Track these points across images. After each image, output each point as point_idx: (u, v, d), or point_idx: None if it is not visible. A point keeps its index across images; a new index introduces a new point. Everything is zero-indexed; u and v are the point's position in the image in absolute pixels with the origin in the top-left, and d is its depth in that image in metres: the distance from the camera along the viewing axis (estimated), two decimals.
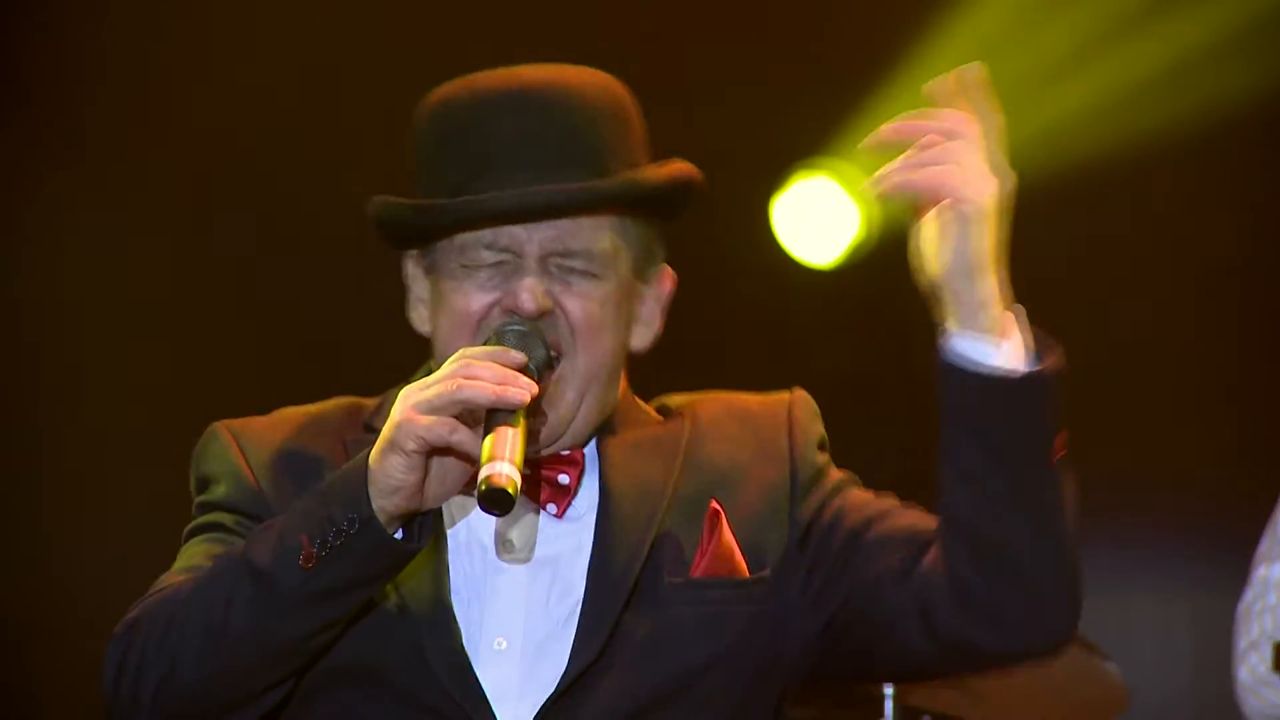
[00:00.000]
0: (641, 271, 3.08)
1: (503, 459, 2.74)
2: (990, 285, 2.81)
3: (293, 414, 3.14)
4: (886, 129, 2.87)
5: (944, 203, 2.82)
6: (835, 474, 3.11)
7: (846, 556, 3.00)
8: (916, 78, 6.18)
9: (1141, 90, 6.18)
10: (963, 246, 2.81)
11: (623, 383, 3.14)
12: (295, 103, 6.17)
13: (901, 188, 2.83)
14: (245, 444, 3.06)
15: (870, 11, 6.34)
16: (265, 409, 3.15)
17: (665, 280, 3.13)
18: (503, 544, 3.00)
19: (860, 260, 6.49)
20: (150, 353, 6.20)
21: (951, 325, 2.83)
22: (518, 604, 2.97)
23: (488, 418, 2.79)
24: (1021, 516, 2.83)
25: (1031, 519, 2.83)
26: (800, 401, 3.14)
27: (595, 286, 3.01)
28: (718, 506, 3.01)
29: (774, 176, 6.51)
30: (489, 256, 3.00)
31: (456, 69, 3.11)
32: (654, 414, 3.15)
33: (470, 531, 3.01)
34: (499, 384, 2.79)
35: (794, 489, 3.05)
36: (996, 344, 2.81)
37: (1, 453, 6.15)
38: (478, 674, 2.90)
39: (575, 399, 3.02)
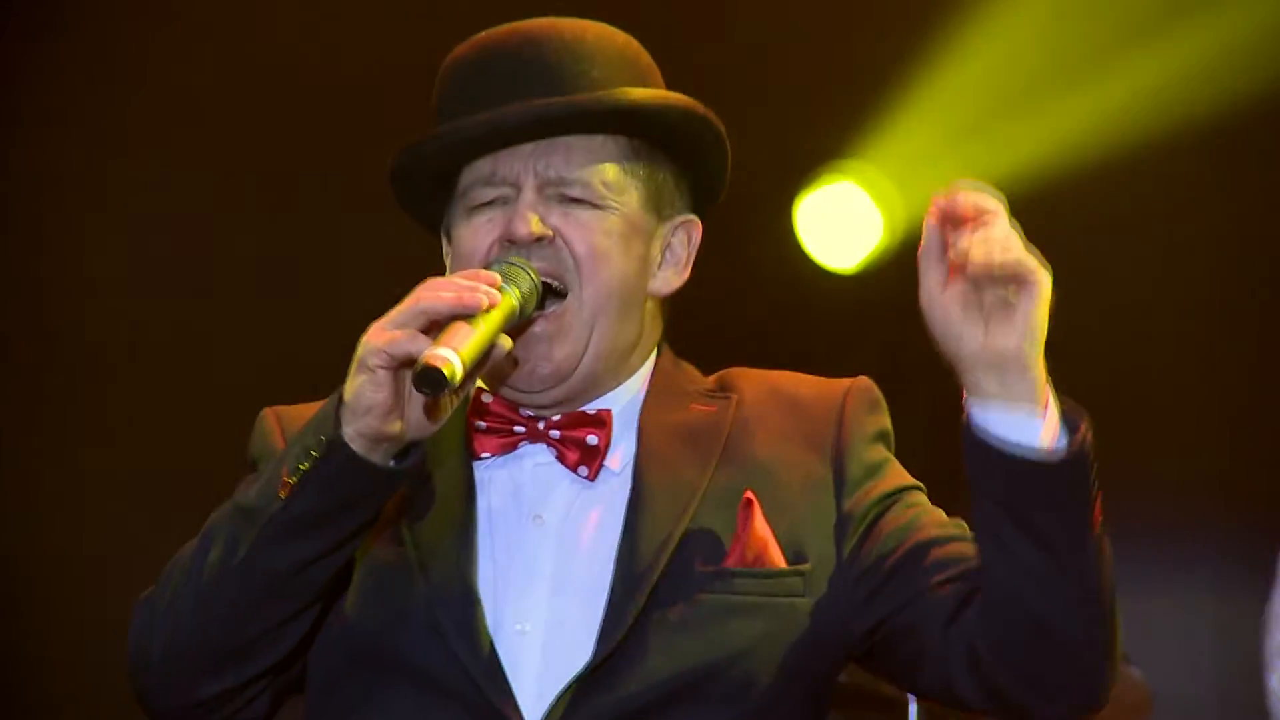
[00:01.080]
0: (657, 209, 3.06)
1: (446, 345, 2.71)
2: (1040, 357, 2.76)
3: None
4: (943, 208, 2.77)
5: (1015, 279, 2.73)
6: (895, 474, 3.06)
7: (899, 575, 2.96)
8: (939, 82, 6.19)
9: (1158, 92, 6.17)
10: (1031, 321, 2.73)
11: (667, 351, 3.13)
12: (315, 90, 6.19)
13: (990, 269, 2.72)
14: (288, 427, 3.05)
15: (893, 15, 6.34)
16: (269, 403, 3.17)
17: (691, 226, 3.11)
18: (533, 518, 2.99)
19: (882, 265, 6.50)
20: (163, 347, 6.22)
21: (990, 395, 2.76)
22: (543, 582, 2.95)
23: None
24: (1064, 592, 2.79)
25: (1075, 593, 2.80)
26: (856, 392, 3.10)
27: (598, 216, 3.00)
28: (751, 496, 2.98)
29: (797, 181, 6.51)
30: (488, 193, 3.00)
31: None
32: (701, 383, 3.12)
33: (500, 505, 3.00)
34: (458, 292, 2.77)
35: (839, 484, 3.02)
36: (1038, 415, 2.75)
37: (23, 447, 6.18)
38: (500, 657, 2.89)
39: (582, 333, 3.00)
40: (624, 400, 3.07)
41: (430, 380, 2.70)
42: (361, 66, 6.12)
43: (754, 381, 3.13)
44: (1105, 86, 6.20)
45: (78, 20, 6.03)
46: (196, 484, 6.02)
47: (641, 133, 3.04)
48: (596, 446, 3.00)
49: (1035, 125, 6.21)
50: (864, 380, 3.12)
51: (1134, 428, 6.47)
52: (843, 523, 3.00)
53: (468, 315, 2.77)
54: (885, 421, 3.10)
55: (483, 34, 3.08)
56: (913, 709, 5.17)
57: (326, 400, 2.85)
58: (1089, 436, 2.76)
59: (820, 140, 6.42)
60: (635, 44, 3.09)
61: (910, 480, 3.06)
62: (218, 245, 6.23)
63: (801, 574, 2.97)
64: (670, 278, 3.10)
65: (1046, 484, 2.75)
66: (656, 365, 3.12)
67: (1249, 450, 6.62)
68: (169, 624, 2.87)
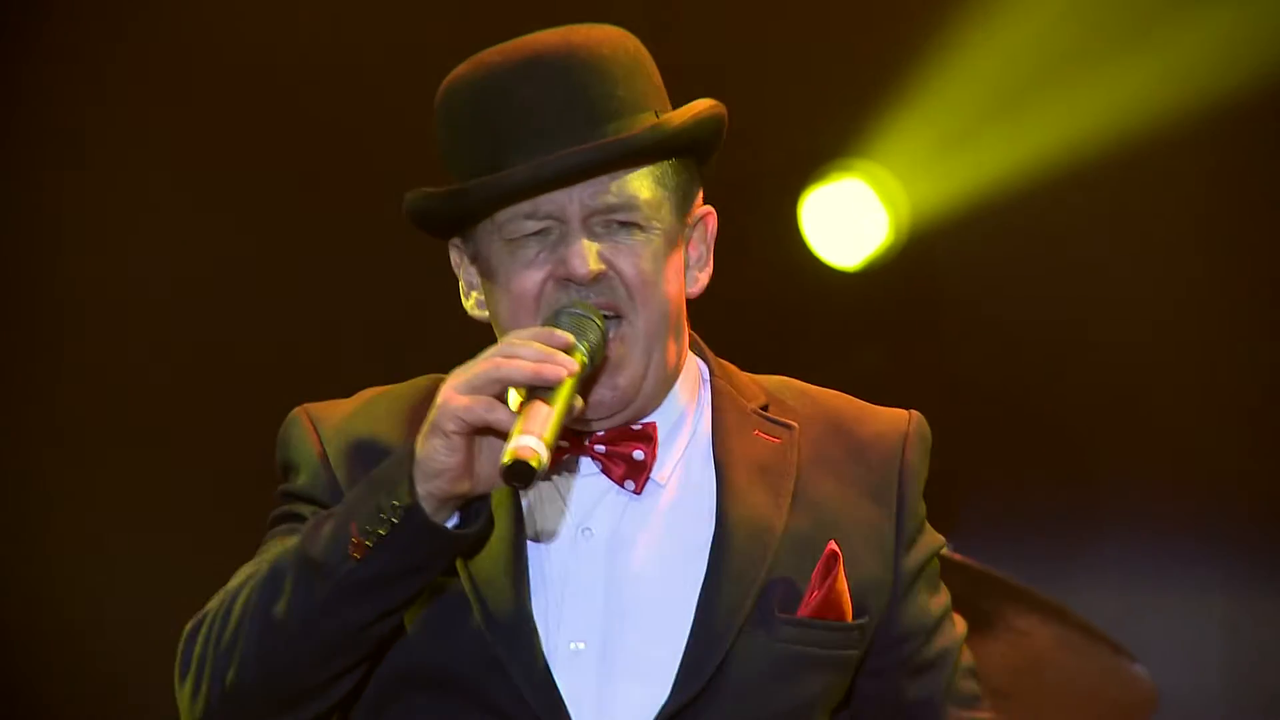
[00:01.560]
0: (684, 214, 3.04)
1: (530, 433, 2.72)
2: None
3: (373, 395, 3.12)
4: None
5: None
6: (931, 536, 3.10)
7: (893, 651, 3.04)
8: (944, 78, 6.18)
9: (1164, 86, 6.16)
10: None
11: (710, 355, 3.13)
12: (317, 89, 6.18)
13: None
14: (324, 431, 3.05)
15: (899, 11, 6.33)
16: (286, 404, 3.15)
17: (708, 218, 3.10)
18: (581, 531, 2.98)
19: (887, 263, 6.49)
20: (164, 350, 6.21)
21: None
22: (596, 598, 2.95)
23: (527, 395, 2.78)
24: None
25: None
26: (916, 441, 3.11)
27: (643, 241, 2.98)
28: (836, 549, 2.98)
29: (801, 178, 6.50)
30: (531, 226, 2.97)
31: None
32: (753, 397, 3.10)
33: (548, 522, 2.99)
34: (537, 361, 2.77)
35: (899, 538, 3.05)
36: None
37: (27, 450, 6.17)
38: (556, 680, 2.89)
39: (642, 359, 2.99)
40: (669, 410, 3.06)
41: (521, 474, 2.71)
42: (363, 65, 6.11)
43: (808, 406, 3.12)
44: (1112, 82, 6.19)
45: (78, 19, 6.03)
46: (193, 484, 6.05)
47: (678, 152, 3.03)
48: (643, 461, 3.00)
49: (1041, 121, 6.20)
50: (921, 423, 3.13)
51: (1142, 425, 6.46)
52: (900, 576, 3.04)
53: (545, 385, 2.77)
54: (927, 467, 3.12)
55: (491, 55, 3.03)
56: None
57: (394, 457, 2.83)
58: None
59: (825, 137, 6.41)
60: (634, 41, 3.07)
61: (939, 540, 3.11)
62: (216, 246, 6.21)
63: (862, 628, 3.00)
64: (699, 276, 3.10)
65: None
66: (713, 384, 3.12)
67: (1258, 447, 6.60)
68: (227, 664, 2.86)
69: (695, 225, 3.07)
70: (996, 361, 6.10)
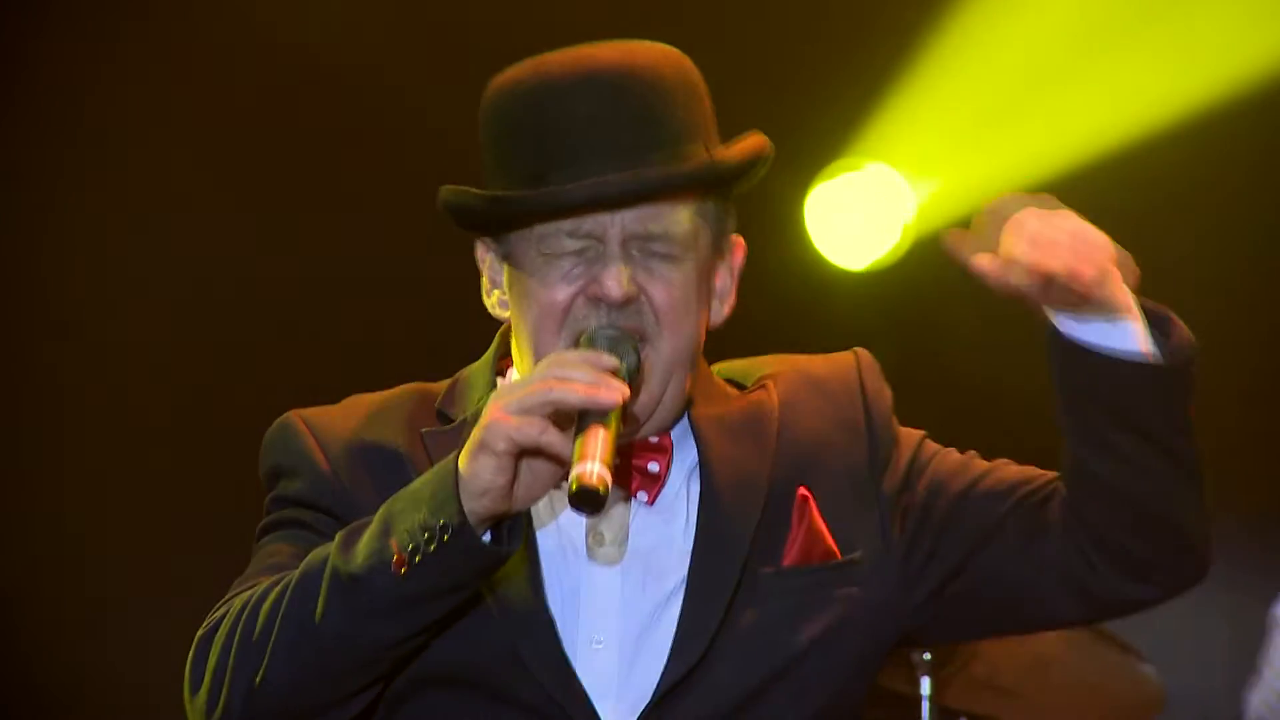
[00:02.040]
0: (719, 246, 3.05)
1: (594, 459, 2.73)
2: (1114, 266, 2.87)
3: (364, 401, 3.11)
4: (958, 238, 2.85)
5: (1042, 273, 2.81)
6: (909, 437, 3.11)
7: (953, 525, 3.03)
8: (952, 76, 6.18)
9: (1168, 81, 6.15)
10: (1088, 252, 2.83)
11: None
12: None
13: (1038, 276, 2.81)
14: (320, 435, 3.04)
15: (906, 10, 6.32)
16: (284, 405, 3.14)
17: (737, 250, 3.11)
18: (594, 538, 2.99)
19: (893, 264, 6.49)
20: (172, 349, 6.22)
21: (1077, 308, 2.87)
22: (612, 600, 2.96)
23: (580, 419, 2.78)
24: (1180, 485, 2.95)
25: (1188, 484, 2.95)
26: (868, 367, 3.14)
27: (677, 270, 2.98)
28: (806, 493, 3.01)
29: (807, 177, 6.50)
30: (571, 244, 2.97)
31: (481, 68, 3.09)
32: (726, 386, 3.13)
33: (560, 528, 3.00)
34: (590, 386, 2.77)
35: (874, 464, 3.06)
36: (1131, 320, 2.89)
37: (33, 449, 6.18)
38: (578, 674, 2.90)
39: (660, 384, 2.99)
40: (679, 422, 3.07)
41: (591, 500, 2.73)
42: (366, 64, 6.12)
43: (772, 370, 3.15)
44: (1122, 79, 6.18)
45: (78, 19, 6.03)
46: (194, 485, 6.05)
47: (723, 187, 3.05)
48: (658, 474, 3.02)
49: (1048, 119, 6.20)
50: (866, 354, 3.16)
51: None
52: (883, 501, 3.04)
53: (599, 410, 2.78)
54: (889, 389, 3.15)
55: (548, 62, 3.01)
56: (925, 707, 5.16)
57: (438, 469, 2.82)
58: (1185, 333, 2.92)
59: (831, 136, 6.41)
60: (691, 65, 3.06)
61: (916, 434, 3.12)
62: (217, 246, 6.22)
63: (856, 563, 3.01)
64: (722, 307, 3.11)
65: (1155, 385, 2.89)
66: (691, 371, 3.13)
67: (1268, 445, 6.60)
68: (255, 669, 2.84)
69: (725, 256, 3.08)
70: (1003, 362, 6.10)
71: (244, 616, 2.87)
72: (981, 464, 3.08)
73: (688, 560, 2.97)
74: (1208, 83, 6.12)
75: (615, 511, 3.00)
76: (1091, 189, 6.19)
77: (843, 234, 6.51)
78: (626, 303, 2.95)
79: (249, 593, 2.90)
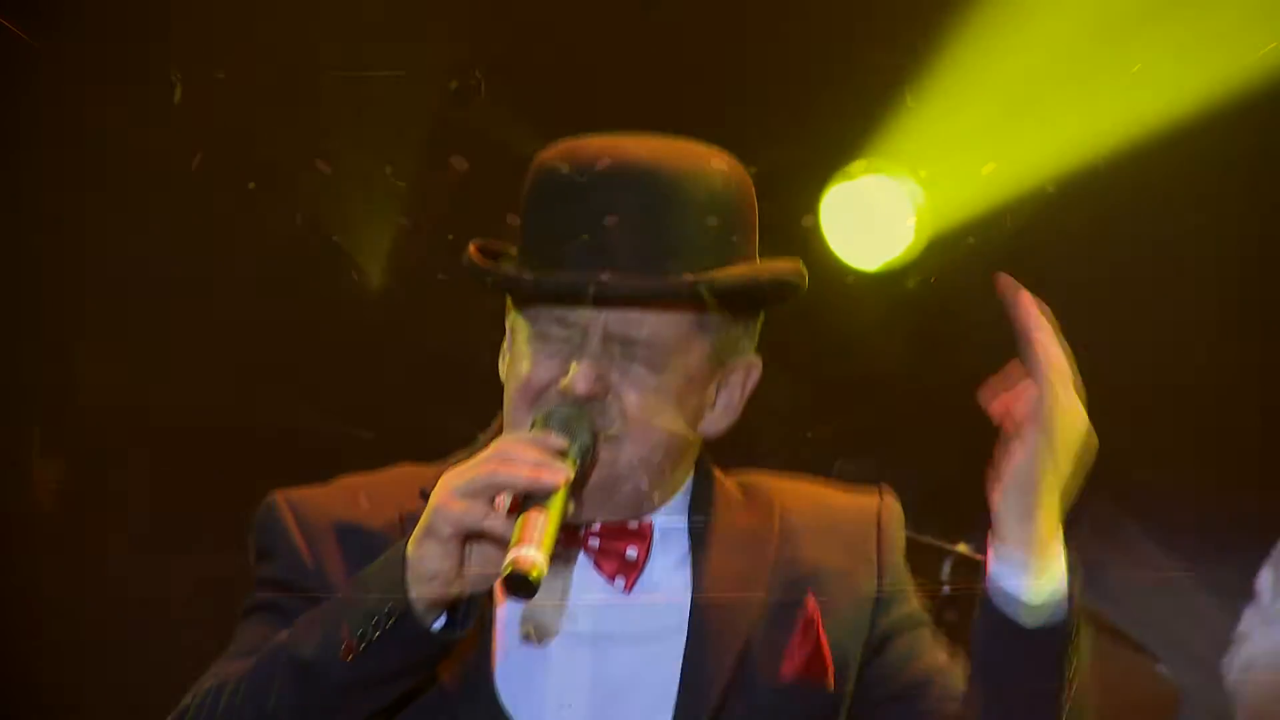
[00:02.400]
0: (723, 359, 3.04)
1: (529, 543, 2.72)
2: (1042, 509, 2.83)
3: (351, 484, 3.12)
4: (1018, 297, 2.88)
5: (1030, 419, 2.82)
6: (912, 596, 3.11)
7: (890, 706, 3.04)
8: (964, 77, 6.19)
9: (1179, 80, 6.15)
10: (1018, 474, 2.82)
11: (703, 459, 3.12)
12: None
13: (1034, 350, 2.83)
14: (302, 518, 3.06)
15: (918, 10, 6.32)
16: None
17: (751, 369, 3.08)
18: (567, 624, 2.99)
19: (907, 265, 6.48)
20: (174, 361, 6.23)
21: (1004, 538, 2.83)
22: (582, 677, 2.96)
23: (523, 501, 2.78)
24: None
25: None
26: (889, 510, 3.13)
27: (653, 376, 2.97)
28: (814, 611, 3.01)
29: (821, 179, 6.50)
30: (559, 331, 2.98)
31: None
32: (736, 491, 3.12)
33: (531, 609, 2.99)
34: (535, 468, 2.77)
35: (879, 598, 3.05)
36: (1029, 567, 2.83)
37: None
38: None
39: (620, 480, 2.98)
40: (665, 514, 3.07)
41: (520, 585, 2.72)
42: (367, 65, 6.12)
43: (784, 489, 3.14)
44: (1134, 79, 6.18)
45: (78, 19, 6.04)
46: (193, 486, 6.06)
47: (730, 307, 3.03)
48: (635, 561, 3.02)
49: (1057, 120, 6.20)
50: (891, 494, 3.15)
51: (1163, 422, 6.46)
52: (874, 634, 3.05)
53: (543, 491, 2.77)
54: (904, 539, 3.14)
55: (584, 147, 3.02)
56: None
57: (389, 554, 2.83)
58: (1073, 605, 2.86)
59: (845, 138, 6.41)
60: (735, 177, 3.05)
61: (920, 602, 3.12)
62: (216, 246, 6.23)
63: (842, 691, 3.01)
64: (720, 419, 3.09)
65: (1023, 643, 2.84)
66: (694, 475, 3.11)
67: (1274, 446, 6.60)
68: None
69: (733, 371, 3.07)
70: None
71: (206, 703, 2.88)
72: (942, 664, 3.08)
73: (656, 644, 2.97)
74: (1213, 83, 6.12)
75: (591, 595, 2.99)
76: (1103, 188, 6.21)
77: (857, 234, 6.51)
78: (591, 398, 2.93)
79: (213, 681, 2.92)
